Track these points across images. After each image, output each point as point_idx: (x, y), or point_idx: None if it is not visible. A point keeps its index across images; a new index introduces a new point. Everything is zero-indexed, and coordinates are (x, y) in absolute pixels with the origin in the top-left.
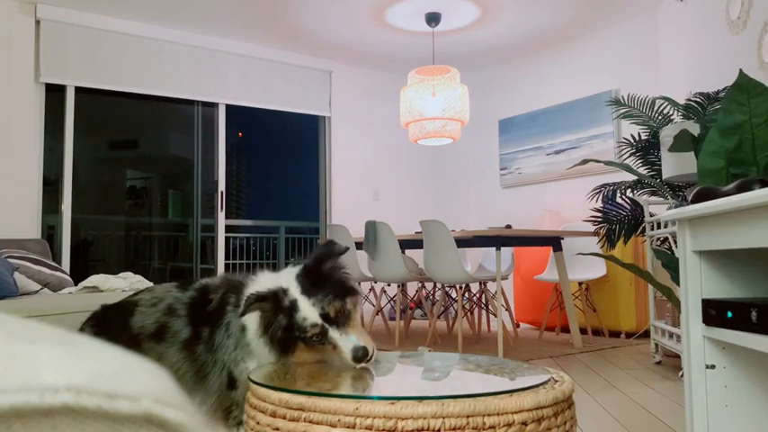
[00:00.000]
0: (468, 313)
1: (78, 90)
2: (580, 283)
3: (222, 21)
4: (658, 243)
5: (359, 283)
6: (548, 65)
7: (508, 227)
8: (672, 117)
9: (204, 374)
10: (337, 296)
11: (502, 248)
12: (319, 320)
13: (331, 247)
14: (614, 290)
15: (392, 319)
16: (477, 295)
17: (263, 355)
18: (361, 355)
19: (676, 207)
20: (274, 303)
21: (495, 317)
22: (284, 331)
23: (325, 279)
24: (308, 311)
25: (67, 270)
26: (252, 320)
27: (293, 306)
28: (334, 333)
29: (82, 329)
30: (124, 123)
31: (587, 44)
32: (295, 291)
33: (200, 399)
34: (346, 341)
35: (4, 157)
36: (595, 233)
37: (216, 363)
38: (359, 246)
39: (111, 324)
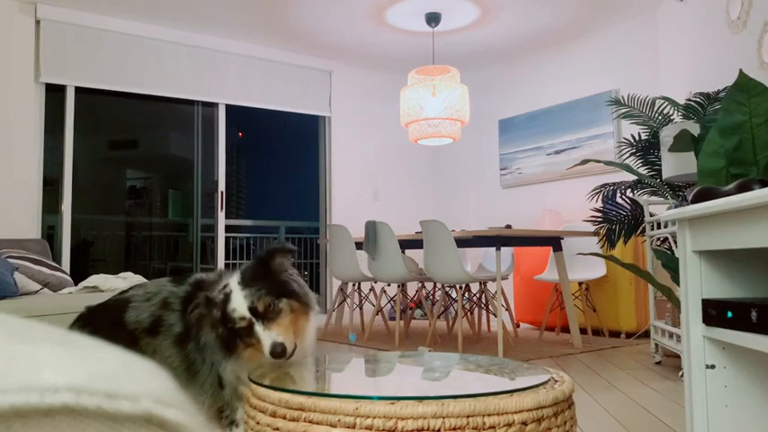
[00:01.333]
0: (468, 313)
1: (78, 90)
2: (580, 283)
3: (222, 21)
4: (658, 243)
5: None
6: (548, 65)
7: (508, 227)
8: (672, 117)
9: (195, 372)
10: (271, 293)
11: (502, 248)
12: (247, 313)
13: (280, 245)
14: (614, 290)
15: (392, 319)
16: (477, 295)
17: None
18: (278, 351)
19: (676, 207)
20: (208, 302)
21: (495, 317)
22: (222, 326)
23: (267, 276)
24: (239, 303)
25: (67, 270)
26: None
27: (227, 298)
28: (258, 327)
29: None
30: (124, 123)
31: (587, 44)
32: (234, 283)
33: (192, 396)
34: (267, 336)
35: (4, 157)
36: (595, 233)
37: (205, 361)
38: (359, 246)
39: (101, 322)
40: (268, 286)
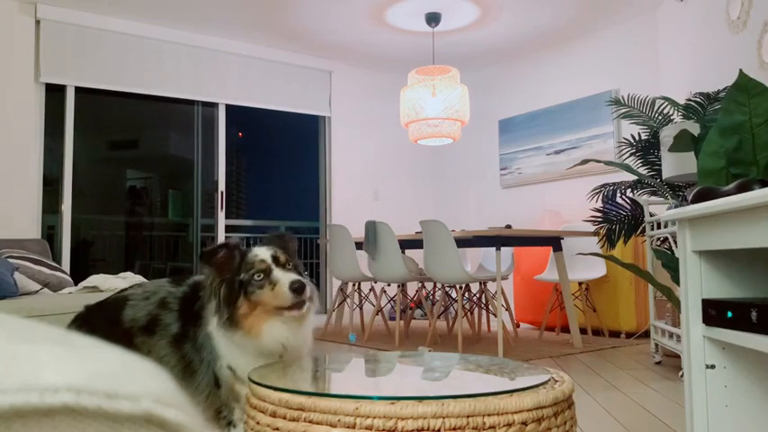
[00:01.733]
0: (468, 313)
1: (78, 90)
2: (580, 283)
3: (222, 21)
4: (658, 243)
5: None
6: (548, 65)
7: (508, 227)
8: (672, 117)
9: (192, 372)
10: (288, 253)
11: (502, 248)
12: (269, 258)
13: (289, 233)
14: (614, 290)
15: (392, 319)
16: (477, 295)
17: (224, 348)
18: (297, 287)
19: (676, 207)
20: (232, 250)
21: (495, 317)
22: (233, 274)
23: (286, 249)
24: (261, 251)
25: (67, 270)
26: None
27: (248, 251)
28: (277, 271)
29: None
30: (124, 123)
31: (587, 44)
32: (255, 245)
33: (191, 394)
34: (286, 276)
35: (4, 157)
36: (595, 233)
37: (202, 361)
38: (359, 246)
39: (98, 321)
40: (287, 252)
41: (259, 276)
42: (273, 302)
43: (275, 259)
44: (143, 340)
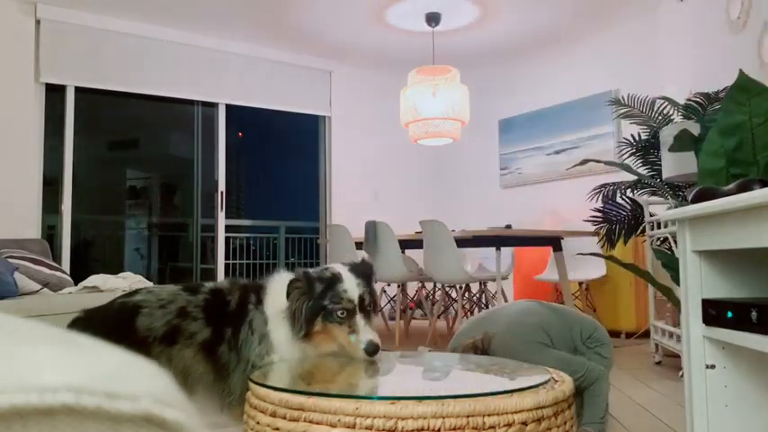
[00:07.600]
0: (468, 313)
1: (78, 90)
2: (580, 283)
3: (222, 21)
4: (658, 243)
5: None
6: (548, 65)
7: (508, 227)
8: (672, 117)
9: (227, 373)
10: (372, 293)
11: (502, 248)
12: (356, 299)
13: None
14: (614, 290)
15: (392, 319)
16: (477, 295)
17: (284, 346)
18: (372, 350)
19: (676, 207)
20: (318, 278)
21: None
22: (315, 300)
23: (368, 281)
24: (351, 286)
25: (67, 270)
26: (275, 307)
27: (337, 278)
28: (360, 319)
29: None
30: (124, 123)
31: (587, 44)
32: (342, 269)
33: (220, 396)
34: (367, 332)
35: (4, 157)
36: (595, 233)
37: (240, 360)
38: (359, 246)
39: (105, 327)
40: (371, 288)
41: (342, 314)
42: (345, 345)
43: (361, 301)
44: (161, 350)
